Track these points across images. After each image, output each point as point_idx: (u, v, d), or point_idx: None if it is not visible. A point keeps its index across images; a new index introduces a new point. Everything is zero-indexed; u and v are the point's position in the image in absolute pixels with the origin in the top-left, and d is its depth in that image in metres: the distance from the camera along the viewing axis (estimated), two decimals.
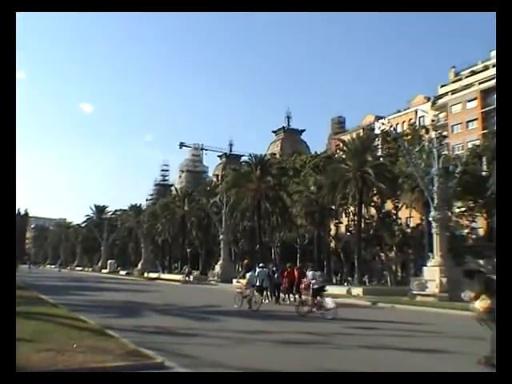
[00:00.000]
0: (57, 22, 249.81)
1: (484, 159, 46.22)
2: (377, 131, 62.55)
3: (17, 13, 8.05)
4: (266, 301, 24.83)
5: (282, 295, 26.15)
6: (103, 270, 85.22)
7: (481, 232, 53.81)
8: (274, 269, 28.08)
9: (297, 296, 24.35)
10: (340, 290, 35.60)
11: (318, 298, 19.06)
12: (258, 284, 23.33)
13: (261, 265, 25.35)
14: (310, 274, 20.02)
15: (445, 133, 55.51)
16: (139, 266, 73.64)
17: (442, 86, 74.59)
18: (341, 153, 54.63)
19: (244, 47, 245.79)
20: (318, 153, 71.05)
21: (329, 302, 18.60)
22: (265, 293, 24.76)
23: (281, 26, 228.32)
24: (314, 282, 19.31)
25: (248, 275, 23.89)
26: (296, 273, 25.39)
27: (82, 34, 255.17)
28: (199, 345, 11.39)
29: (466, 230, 52.72)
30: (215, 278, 51.00)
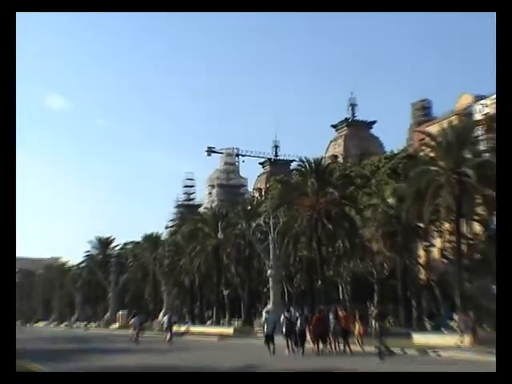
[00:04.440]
0: None
1: None
2: (477, 117, 62.20)
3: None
4: (286, 352, 28.34)
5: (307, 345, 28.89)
6: (112, 325, 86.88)
7: None
8: (295, 313, 31.55)
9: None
10: (442, 339, 35.67)
11: None
12: (265, 332, 28.83)
13: (266, 309, 30.46)
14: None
15: None
16: (160, 316, 74.18)
17: None
18: (427, 150, 53.89)
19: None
20: (396, 152, 71.06)
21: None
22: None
23: None
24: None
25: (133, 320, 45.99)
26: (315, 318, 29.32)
27: None
28: None
29: None
30: (264, 328, 50.35)
